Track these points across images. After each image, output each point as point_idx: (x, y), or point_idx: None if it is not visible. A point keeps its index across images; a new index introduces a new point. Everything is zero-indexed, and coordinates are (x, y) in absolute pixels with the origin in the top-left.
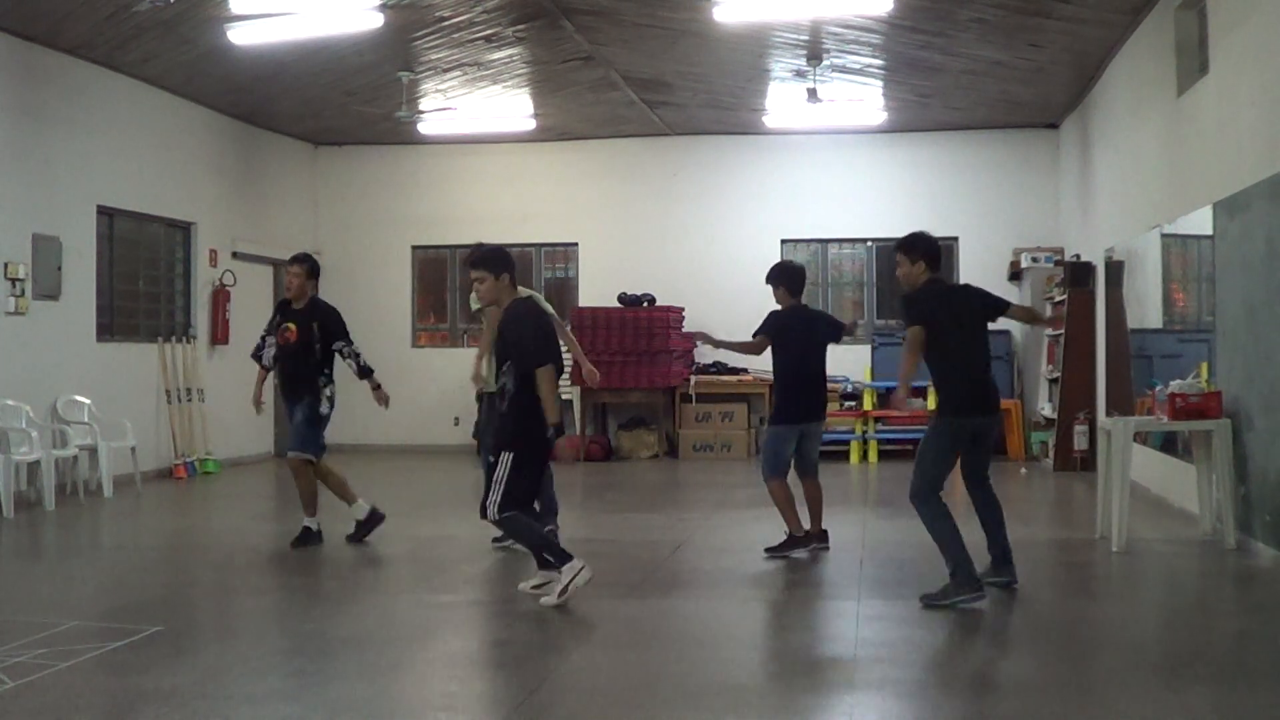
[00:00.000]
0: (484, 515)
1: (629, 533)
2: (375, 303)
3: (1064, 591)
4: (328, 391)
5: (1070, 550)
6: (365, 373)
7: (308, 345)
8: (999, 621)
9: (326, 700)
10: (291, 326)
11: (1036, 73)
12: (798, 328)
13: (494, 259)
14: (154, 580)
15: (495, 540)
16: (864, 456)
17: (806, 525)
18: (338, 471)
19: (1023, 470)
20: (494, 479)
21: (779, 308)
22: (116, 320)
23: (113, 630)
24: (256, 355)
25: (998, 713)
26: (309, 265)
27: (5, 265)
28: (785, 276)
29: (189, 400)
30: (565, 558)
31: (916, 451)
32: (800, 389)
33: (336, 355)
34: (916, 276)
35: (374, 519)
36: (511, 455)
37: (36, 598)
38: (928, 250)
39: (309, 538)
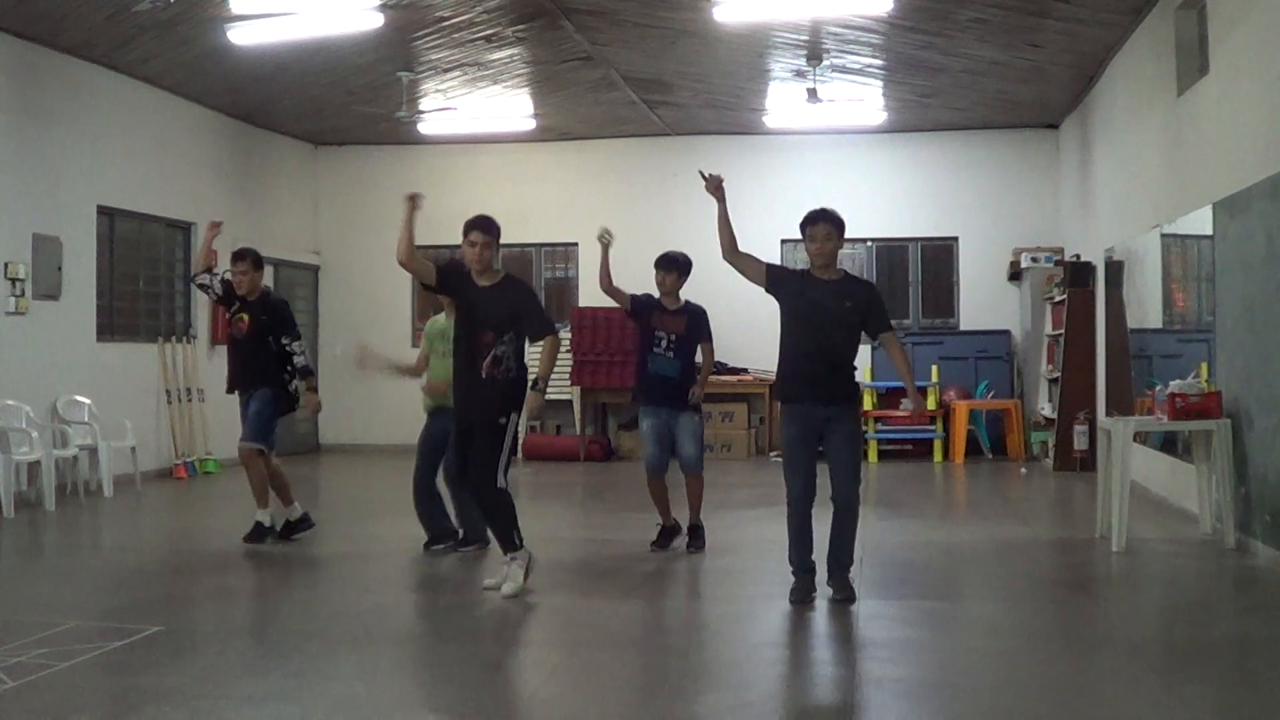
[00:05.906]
0: (488, 486)
1: (629, 533)
2: (375, 303)
3: (1064, 591)
4: (290, 387)
5: (1070, 550)
6: (304, 373)
7: (260, 336)
8: (999, 621)
9: (326, 700)
10: (245, 317)
11: (1036, 73)
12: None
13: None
14: (154, 580)
15: (428, 546)
16: (864, 456)
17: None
18: (284, 472)
19: (1023, 470)
20: (499, 447)
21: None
22: (116, 320)
23: (113, 630)
24: (204, 284)
25: (997, 712)
26: (254, 258)
27: (5, 265)
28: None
29: (189, 400)
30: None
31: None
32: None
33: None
34: None
35: (304, 523)
36: (513, 419)
37: (36, 598)
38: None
39: (262, 532)
